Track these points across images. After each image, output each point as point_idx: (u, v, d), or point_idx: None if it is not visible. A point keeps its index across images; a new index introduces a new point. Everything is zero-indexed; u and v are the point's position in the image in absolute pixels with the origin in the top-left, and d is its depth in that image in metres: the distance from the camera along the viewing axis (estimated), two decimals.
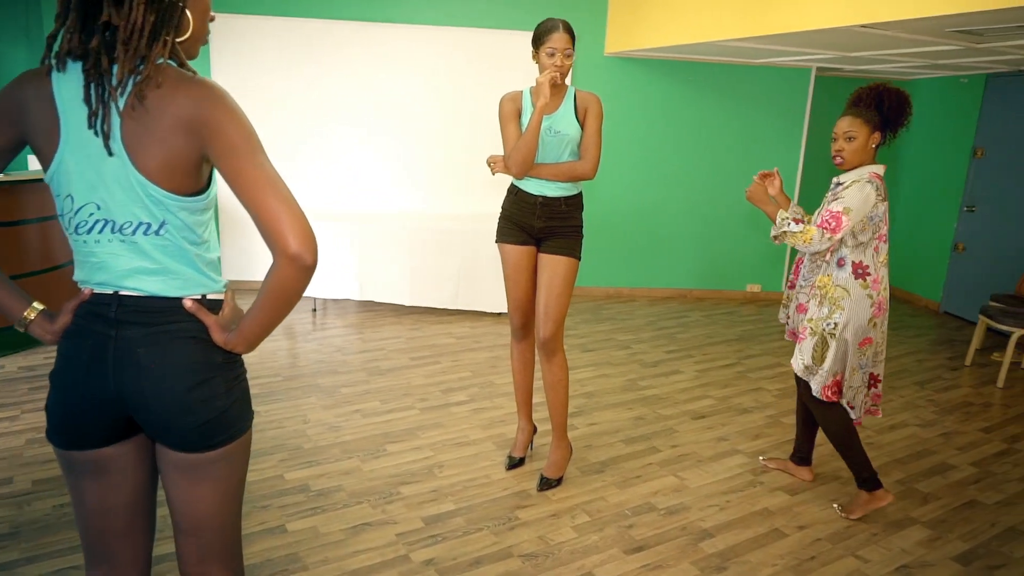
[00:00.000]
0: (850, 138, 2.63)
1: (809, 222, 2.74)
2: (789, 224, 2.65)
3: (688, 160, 6.20)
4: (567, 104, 2.82)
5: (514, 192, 2.91)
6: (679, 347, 4.98)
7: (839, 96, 6.82)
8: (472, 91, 5.68)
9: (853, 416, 2.78)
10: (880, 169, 2.66)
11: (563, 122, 2.80)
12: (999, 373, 4.54)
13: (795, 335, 2.94)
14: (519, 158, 2.73)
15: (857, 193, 2.57)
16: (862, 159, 2.65)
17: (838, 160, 2.67)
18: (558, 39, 2.69)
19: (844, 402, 2.75)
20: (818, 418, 2.84)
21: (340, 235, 5.14)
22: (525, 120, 2.79)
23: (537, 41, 2.73)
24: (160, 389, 1.26)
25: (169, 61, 1.23)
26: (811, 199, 7.03)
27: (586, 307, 5.96)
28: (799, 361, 2.78)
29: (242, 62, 5.43)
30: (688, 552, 2.57)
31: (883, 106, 2.63)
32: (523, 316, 3.01)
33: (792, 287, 2.95)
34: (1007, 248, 5.66)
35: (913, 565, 2.55)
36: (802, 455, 3.13)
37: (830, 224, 2.57)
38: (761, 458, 3.28)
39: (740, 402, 4.02)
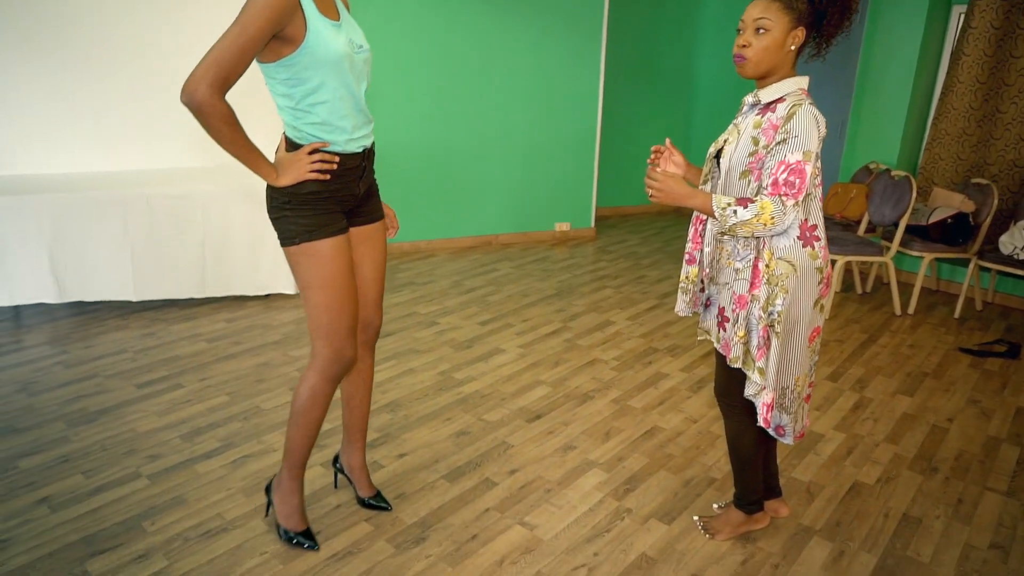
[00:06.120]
0: (760, 30, 1.79)
1: (755, 192, 1.84)
2: (734, 213, 1.79)
3: (478, 88, 5.26)
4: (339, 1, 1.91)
5: (329, 161, 1.86)
6: (493, 315, 4.19)
7: (634, 6, 6.23)
8: None
9: (794, 432, 2.08)
10: (804, 82, 1.85)
11: (358, 31, 1.91)
12: None
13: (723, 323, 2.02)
14: (222, 137, 1.71)
15: (807, 124, 1.75)
16: (773, 63, 1.81)
17: (739, 60, 1.83)
18: None
19: (773, 426, 2.04)
20: (730, 426, 2.13)
21: (17, 214, 3.58)
22: (311, 24, 1.72)
23: None
24: None
25: None
26: (612, 124, 6.48)
27: None
28: (736, 346, 1.95)
29: None
30: None
31: None
32: (355, 335, 2.06)
33: (692, 262, 2.06)
34: None
35: None
36: (769, 485, 2.33)
37: (792, 184, 1.75)
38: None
39: (577, 385, 3.32)
